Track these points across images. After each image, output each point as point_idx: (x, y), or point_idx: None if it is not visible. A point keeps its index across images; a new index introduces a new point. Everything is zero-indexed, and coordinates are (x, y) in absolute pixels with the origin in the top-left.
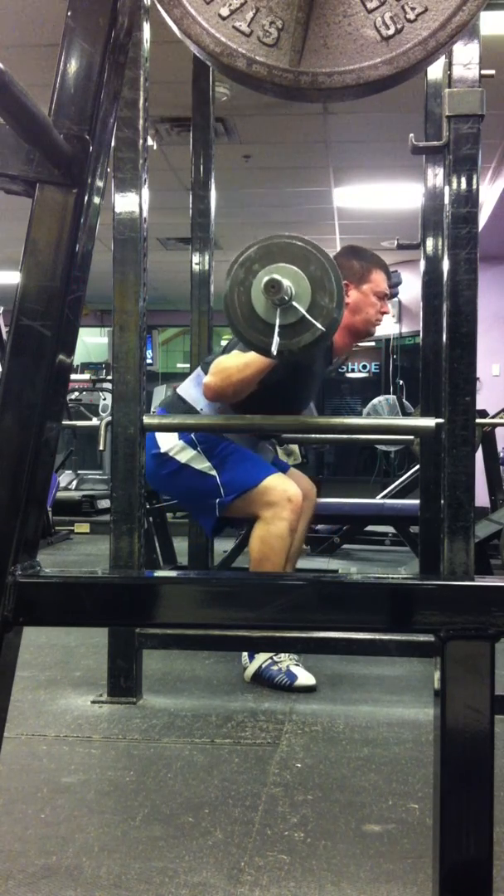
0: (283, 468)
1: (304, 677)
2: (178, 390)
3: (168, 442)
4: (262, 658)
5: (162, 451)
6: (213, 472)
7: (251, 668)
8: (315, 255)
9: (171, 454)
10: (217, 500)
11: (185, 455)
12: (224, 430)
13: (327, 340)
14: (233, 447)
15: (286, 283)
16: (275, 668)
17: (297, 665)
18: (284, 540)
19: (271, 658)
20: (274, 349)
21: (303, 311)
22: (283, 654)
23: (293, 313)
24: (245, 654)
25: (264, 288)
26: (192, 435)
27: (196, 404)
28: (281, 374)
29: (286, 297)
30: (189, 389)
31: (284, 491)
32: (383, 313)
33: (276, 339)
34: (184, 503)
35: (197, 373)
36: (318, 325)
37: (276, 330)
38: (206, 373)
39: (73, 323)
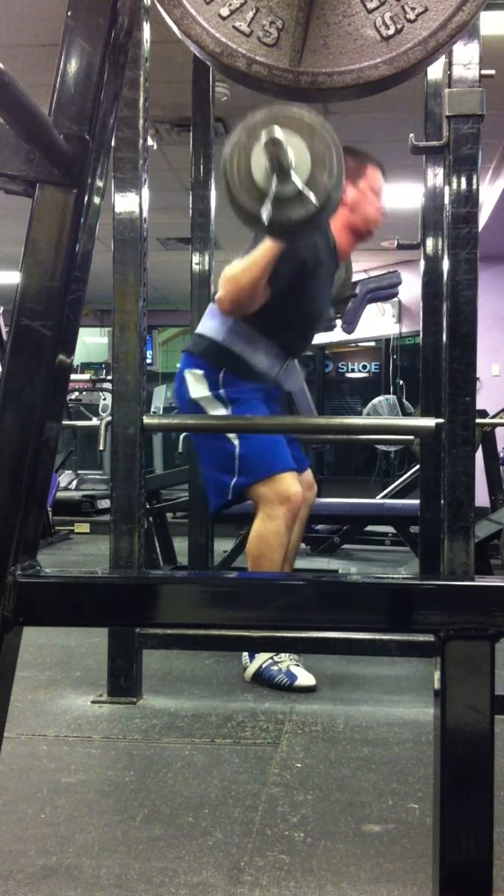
0: (303, 464)
1: (304, 677)
2: (197, 330)
3: (200, 390)
4: (262, 658)
5: (192, 397)
6: (235, 442)
7: (251, 668)
8: (320, 131)
9: (200, 404)
10: (232, 481)
11: (213, 411)
12: (223, 430)
13: (320, 219)
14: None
15: (288, 147)
16: (275, 668)
17: (297, 665)
18: (281, 536)
19: (271, 658)
20: (265, 217)
21: (300, 182)
22: (283, 654)
23: (290, 186)
24: (245, 654)
25: (265, 146)
26: (224, 391)
27: (216, 335)
28: (289, 277)
29: (285, 163)
30: (205, 323)
31: (287, 489)
32: (379, 211)
33: (268, 206)
34: (201, 460)
35: (209, 307)
36: (313, 200)
37: (270, 197)
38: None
39: (73, 323)
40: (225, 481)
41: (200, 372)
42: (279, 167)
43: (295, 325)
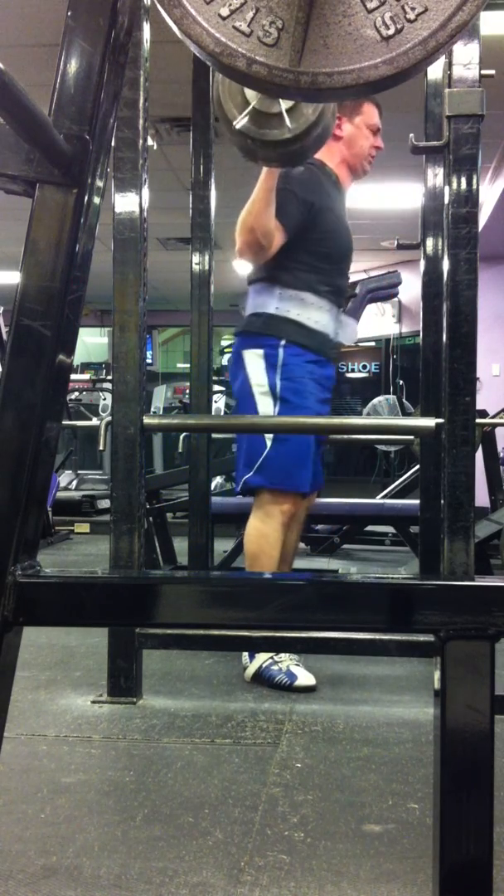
0: (319, 479)
1: (304, 677)
2: (247, 312)
3: (258, 376)
4: (262, 658)
5: (251, 381)
6: (268, 442)
7: (251, 668)
8: None
9: (254, 393)
10: (246, 475)
11: (262, 402)
12: (223, 431)
13: (292, 147)
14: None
15: None
16: (275, 667)
17: (297, 665)
18: (279, 533)
19: (271, 658)
20: (237, 123)
21: (283, 106)
22: (283, 654)
23: (273, 106)
24: (245, 654)
25: None
26: (281, 381)
27: (269, 308)
28: (298, 215)
29: None
30: (254, 301)
31: (290, 508)
32: (377, 148)
33: (244, 115)
34: (238, 442)
35: (251, 288)
36: (289, 125)
37: (250, 108)
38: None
39: (73, 323)
40: (241, 473)
41: (260, 351)
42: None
43: (327, 265)
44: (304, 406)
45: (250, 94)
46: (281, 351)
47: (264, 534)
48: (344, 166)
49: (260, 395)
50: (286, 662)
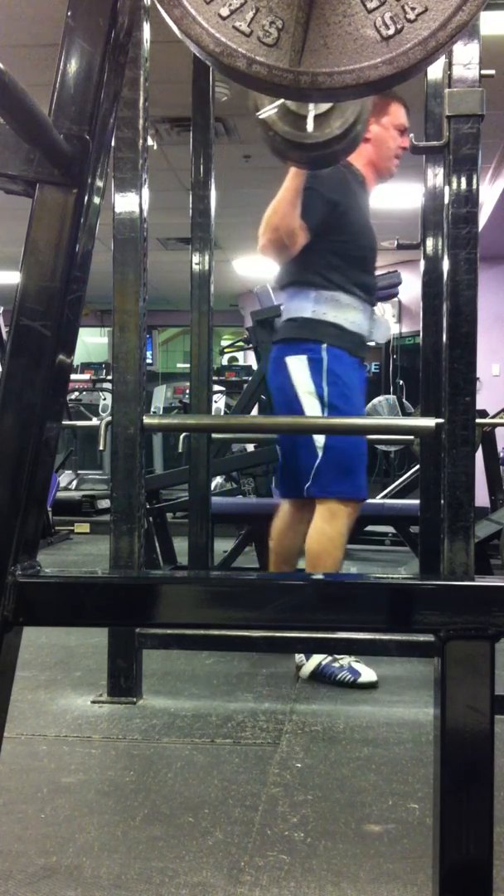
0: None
1: (367, 674)
2: (284, 317)
3: (304, 382)
4: (320, 655)
5: (297, 390)
6: (319, 451)
7: (309, 666)
8: None
9: (301, 400)
10: (306, 486)
11: (309, 405)
12: (223, 431)
13: (324, 151)
14: (355, 441)
15: None
16: (335, 665)
17: (357, 661)
18: (343, 536)
19: (331, 655)
20: (261, 114)
21: (312, 110)
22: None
23: (304, 106)
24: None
25: None
26: (328, 387)
27: (305, 312)
28: (322, 213)
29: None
30: (290, 306)
31: (348, 504)
32: (403, 148)
33: (271, 107)
34: (285, 453)
35: (287, 292)
36: (310, 127)
37: (279, 101)
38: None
39: (73, 323)
40: (294, 481)
41: (304, 357)
42: None
43: (355, 265)
44: (352, 411)
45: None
46: (325, 355)
47: (329, 535)
48: (371, 167)
49: (306, 396)
50: (346, 659)
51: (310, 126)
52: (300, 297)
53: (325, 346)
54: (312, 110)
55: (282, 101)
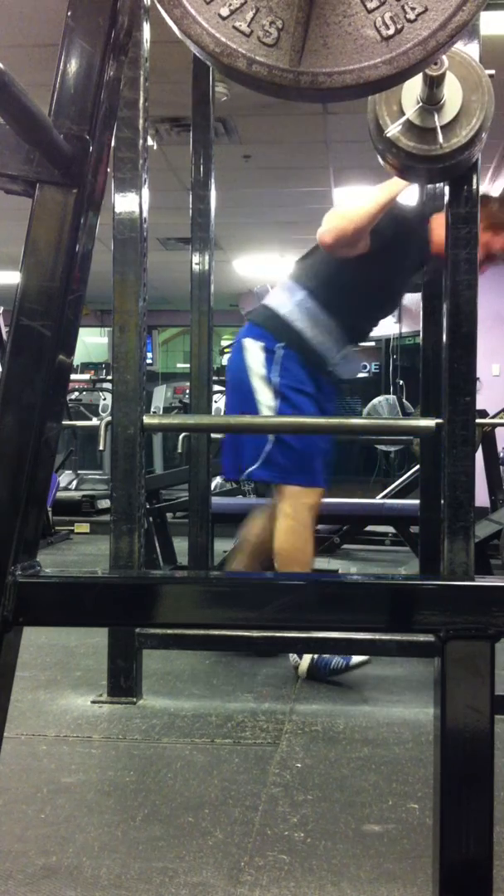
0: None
1: (357, 656)
2: (263, 301)
3: (257, 364)
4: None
5: (249, 366)
6: (270, 436)
7: (304, 664)
8: (484, 87)
9: (252, 381)
10: (252, 469)
11: (259, 388)
12: (223, 431)
13: (441, 165)
14: (309, 438)
15: (445, 85)
16: (326, 655)
17: None
18: (308, 529)
19: None
20: (389, 132)
21: (437, 121)
22: None
23: (428, 119)
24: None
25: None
26: (279, 378)
27: (281, 308)
28: (387, 239)
29: (436, 97)
30: (274, 296)
31: (308, 496)
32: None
33: (397, 125)
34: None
35: (282, 282)
36: (441, 140)
37: (404, 118)
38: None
39: (73, 323)
40: (242, 462)
41: (261, 344)
42: (428, 97)
43: (364, 305)
44: (305, 406)
45: (407, 105)
46: (279, 351)
47: (295, 530)
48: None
49: (257, 379)
50: None
51: (440, 138)
52: (289, 292)
53: (282, 344)
54: (438, 123)
55: (406, 117)
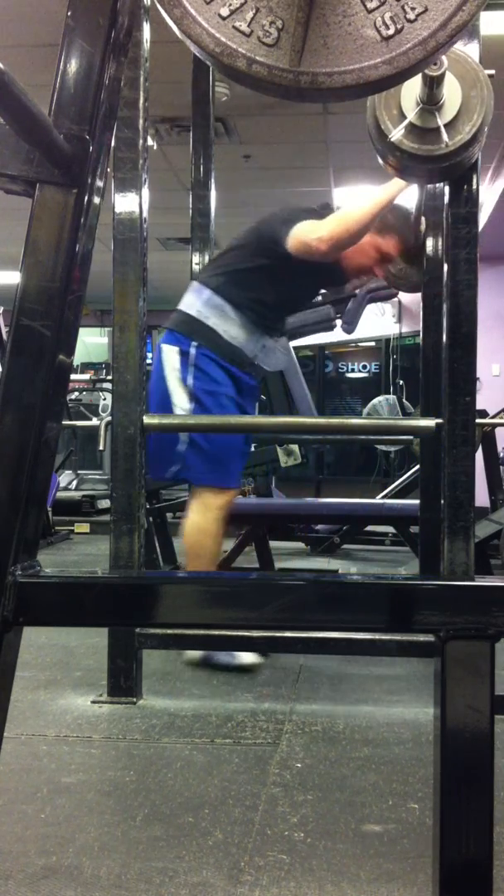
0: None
1: (246, 656)
2: (178, 307)
3: (172, 368)
4: None
5: (165, 373)
6: (184, 438)
7: (195, 653)
8: (482, 85)
9: (168, 383)
10: (175, 470)
11: (175, 389)
12: (224, 431)
13: (445, 165)
14: (224, 438)
15: (444, 85)
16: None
17: None
18: (216, 527)
19: None
20: (392, 136)
21: (440, 120)
22: None
23: (431, 120)
24: None
25: (423, 74)
26: (193, 380)
27: (190, 309)
28: (284, 270)
29: (436, 97)
30: (183, 300)
31: (219, 496)
32: (373, 274)
33: (400, 128)
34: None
35: (191, 285)
36: (445, 139)
37: (406, 121)
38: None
39: (73, 323)
40: (160, 464)
41: (176, 347)
42: (428, 98)
43: (269, 305)
44: (220, 409)
45: (407, 107)
46: (193, 351)
47: (202, 528)
48: (346, 259)
49: (174, 380)
50: None
51: (444, 136)
52: (196, 293)
53: (195, 343)
54: (441, 123)
55: (409, 120)
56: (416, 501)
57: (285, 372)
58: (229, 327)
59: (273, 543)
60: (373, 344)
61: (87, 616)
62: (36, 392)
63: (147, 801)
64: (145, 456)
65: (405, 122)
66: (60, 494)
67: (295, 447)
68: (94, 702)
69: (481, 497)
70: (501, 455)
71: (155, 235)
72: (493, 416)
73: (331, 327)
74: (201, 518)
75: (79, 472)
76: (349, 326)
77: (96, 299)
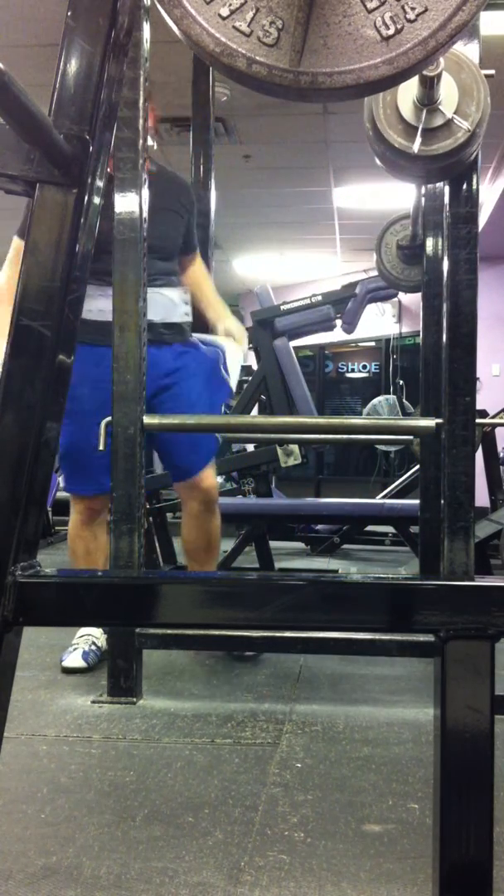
0: (187, 474)
1: (71, 659)
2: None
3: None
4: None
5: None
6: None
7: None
8: (467, 65)
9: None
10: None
11: None
12: (224, 431)
13: (468, 147)
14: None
15: (436, 81)
16: (70, 647)
17: (75, 649)
18: (75, 530)
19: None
20: (415, 148)
21: (448, 113)
22: (82, 632)
23: (438, 117)
24: None
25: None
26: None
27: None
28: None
29: (434, 97)
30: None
31: (74, 502)
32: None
33: (418, 139)
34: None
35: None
36: (465, 126)
37: (420, 130)
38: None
39: (73, 323)
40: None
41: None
42: (428, 100)
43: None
44: (78, 408)
45: (403, 105)
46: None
47: (69, 535)
48: None
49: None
50: (79, 641)
51: (441, 136)
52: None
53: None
54: (438, 121)
55: (406, 120)
56: (416, 501)
57: (285, 372)
58: (91, 304)
59: (273, 543)
60: (373, 344)
61: (87, 616)
62: (36, 392)
63: (147, 801)
64: (145, 456)
65: (403, 123)
66: (60, 494)
67: (295, 447)
68: (94, 702)
69: (481, 497)
70: (501, 455)
71: None
72: (493, 416)
73: (331, 327)
74: (69, 526)
75: None
76: (349, 326)
77: None
